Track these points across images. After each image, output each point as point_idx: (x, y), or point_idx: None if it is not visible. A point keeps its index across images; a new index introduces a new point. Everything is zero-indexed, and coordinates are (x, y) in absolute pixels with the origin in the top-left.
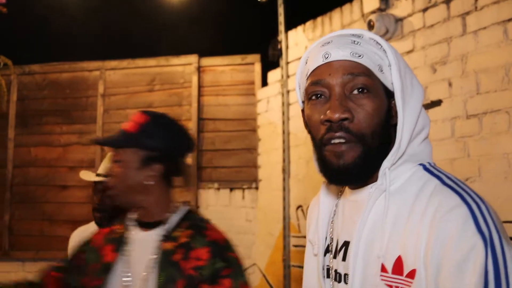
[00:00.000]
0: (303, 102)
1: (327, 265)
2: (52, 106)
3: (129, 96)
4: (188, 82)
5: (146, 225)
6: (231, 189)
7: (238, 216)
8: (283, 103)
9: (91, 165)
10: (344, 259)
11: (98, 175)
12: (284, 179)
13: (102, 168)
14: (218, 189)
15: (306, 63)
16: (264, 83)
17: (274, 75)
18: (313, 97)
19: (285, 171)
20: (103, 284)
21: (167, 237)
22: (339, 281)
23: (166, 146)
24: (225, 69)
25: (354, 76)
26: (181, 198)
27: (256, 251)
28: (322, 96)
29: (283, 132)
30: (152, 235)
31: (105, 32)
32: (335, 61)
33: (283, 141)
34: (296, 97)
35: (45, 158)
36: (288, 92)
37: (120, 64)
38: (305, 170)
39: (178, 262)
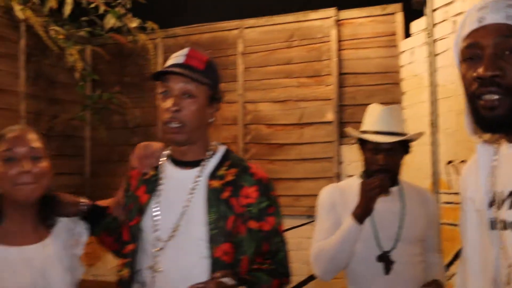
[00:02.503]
0: (460, 62)
1: (492, 218)
2: None
3: (268, 54)
4: (327, 36)
5: (185, 164)
6: None
7: None
8: (429, 54)
9: (234, 123)
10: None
11: (379, 132)
12: (432, 133)
13: (381, 124)
14: None
15: (463, 27)
16: (407, 34)
17: (418, 25)
18: (468, 59)
19: (434, 124)
20: (138, 224)
21: (213, 175)
22: (506, 229)
23: (219, 85)
24: (365, 21)
25: (507, 38)
26: (324, 154)
27: None
28: (477, 58)
29: (430, 84)
30: (191, 173)
31: None
32: (489, 24)
33: (431, 94)
34: (444, 47)
35: None
36: (434, 41)
37: (258, 21)
38: (456, 123)
39: (227, 199)
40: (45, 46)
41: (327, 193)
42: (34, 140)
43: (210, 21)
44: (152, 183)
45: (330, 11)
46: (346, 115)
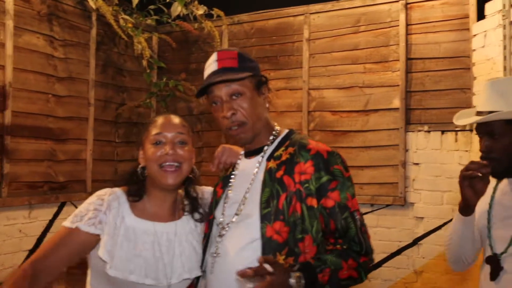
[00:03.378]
0: None
1: None
2: (260, 53)
3: (334, 39)
4: (395, 20)
5: (251, 153)
6: (443, 132)
7: (451, 160)
8: (504, 37)
9: (299, 110)
10: None
11: (485, 112)
12: None
13: (483, 103)
14: (428, 131)
15: None
16: (480, 16)
17: (493, 6)
18: None
19: None
20: (213, 218)
21: (271, 157)
22: None
23: (259, 69)
24: (435, 3)
25: None
26: (389, 141)
27: None
28: None
29: (505, 68)
30: (255, 160)
31: None
32: None
33: None
34: None
35: None
36: (511, 23)
37: (324, 7)
38: None
39: (281, 178)
40: (113, 35)
41: None
42: (182, 126)
43: (275, 7)
44: (227, 179)
45: None
46: (414, 102)
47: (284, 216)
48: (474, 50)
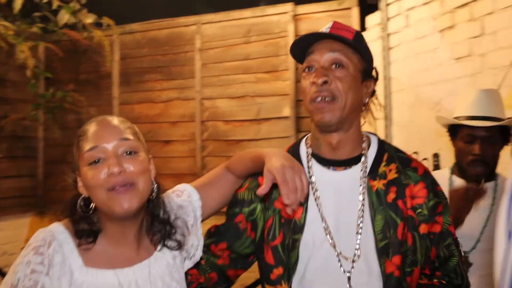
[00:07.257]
0: None
1: None
2: (152, 63)
3: (226, 49)
4: (284, 31)
5: (338, 164)
6: None
7: None
8: (383, 48)
9: (192, 120)
10: None
11: (474, 117)
12: (386, 126)
13: (477, 108)
14: None
15: None
16: (362, 28)
17: (373, 19)
18: None
19: (387, 117)
20: (287, 242)
21: (374, 174)
22: None
23: (372, 60)
24: (322, 15)
25: None
26: (281, 149)
27: None
28: None
29: (384, 77)
30: (352, 174)
31: None
32: None
33: (385, 87)
34: (398, 41)
35: (148, 114)
36: (388, 35)
37: (216, 17)
38: (409, 116)
39: (394, 202)
40: None
41: None
42: (125, 129)
43: (167, 17)
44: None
45: (287, 6)
46: (303, 110)
47: (403, 248)
48: None
